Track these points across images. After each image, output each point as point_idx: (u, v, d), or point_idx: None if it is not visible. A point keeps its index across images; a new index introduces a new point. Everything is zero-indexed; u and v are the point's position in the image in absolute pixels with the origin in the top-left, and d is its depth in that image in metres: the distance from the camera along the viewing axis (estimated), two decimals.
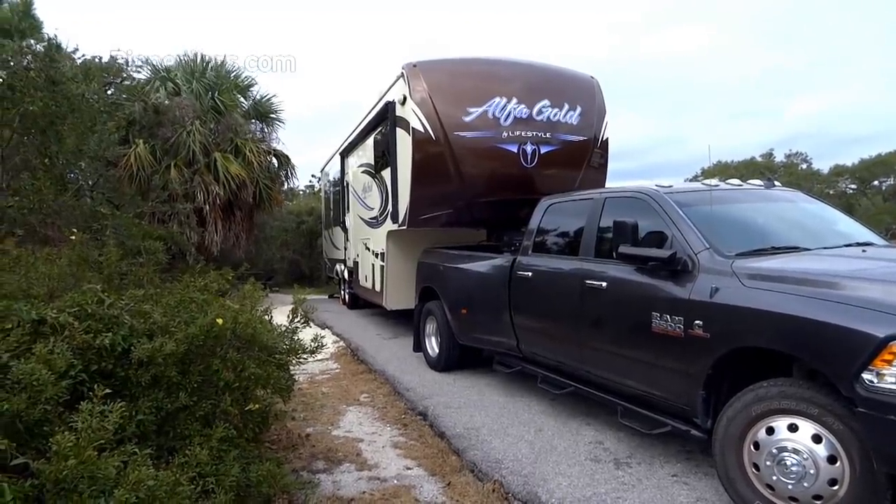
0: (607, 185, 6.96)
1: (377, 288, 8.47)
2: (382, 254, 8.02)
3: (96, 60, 8.94)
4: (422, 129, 6.30)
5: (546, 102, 6.62)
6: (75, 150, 6.99)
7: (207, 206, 11.22)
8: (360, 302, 10.90)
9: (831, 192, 41.48)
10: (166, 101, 11.51)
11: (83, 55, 8.81)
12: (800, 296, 2.71)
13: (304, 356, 3.34)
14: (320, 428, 4.63)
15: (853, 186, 41.77)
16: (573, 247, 4.46)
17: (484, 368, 5.95)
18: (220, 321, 2.76)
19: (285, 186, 20.64)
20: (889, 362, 2.32)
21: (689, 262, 3.33)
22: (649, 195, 3.86)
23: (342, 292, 12.76)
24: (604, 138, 7.05)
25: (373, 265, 8.76)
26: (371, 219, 8.83)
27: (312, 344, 3.28)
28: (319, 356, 7.72)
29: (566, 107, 6.73)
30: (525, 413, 4.72)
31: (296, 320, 3.38)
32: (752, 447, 2.83)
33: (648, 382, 3.59)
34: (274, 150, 13.31)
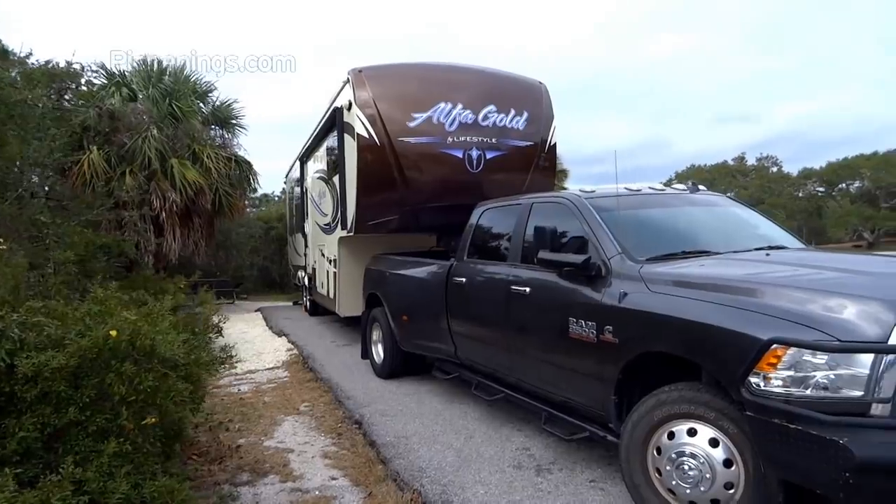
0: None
1: (331, 295, 8.40)
2: (335, 260, 7.96)
3: (45, 65, 8.74)
4: (366, 135, 6.27)
5: (492, 108, 6.64)
6: (17, 156, 6.82)
7: (164, 214, 11.03)
8: (320, 309, 10.76)
9: (800, 194, 42.37)
10: (121, 107, 11.30)
11: (36, 60, 8.64)
12: (695, 300, 2.73)
13: (216, 367, 3.28)
14: (253, 439, 4.54)
15: (821, 189, 42.66)
16: (502, 252, 4.46)
17: (428, 375, 5.91)
18: (114, 333, 2.69)
19: (256, 193, 20.48)
20: (774, 366, 2.33)
21: (603, 267, 3.34)
22: (570, 200, 3.87)
23: (304, 299, 12.64)
24: (551, 143, 7.08)
25: (327, 272, 8.68)
26: (325, 225, 8.76)
27: (221, 355, 3.21)
28: (270, 365, 7.61)
29: (512, 112, 6.75)
30: (460, 420, 4.69)
31: (208, 332, 3.31)
32: (655, 452, 2.84)
33: (569, 388, 3.59)
34: (235, 156, 13.11)
